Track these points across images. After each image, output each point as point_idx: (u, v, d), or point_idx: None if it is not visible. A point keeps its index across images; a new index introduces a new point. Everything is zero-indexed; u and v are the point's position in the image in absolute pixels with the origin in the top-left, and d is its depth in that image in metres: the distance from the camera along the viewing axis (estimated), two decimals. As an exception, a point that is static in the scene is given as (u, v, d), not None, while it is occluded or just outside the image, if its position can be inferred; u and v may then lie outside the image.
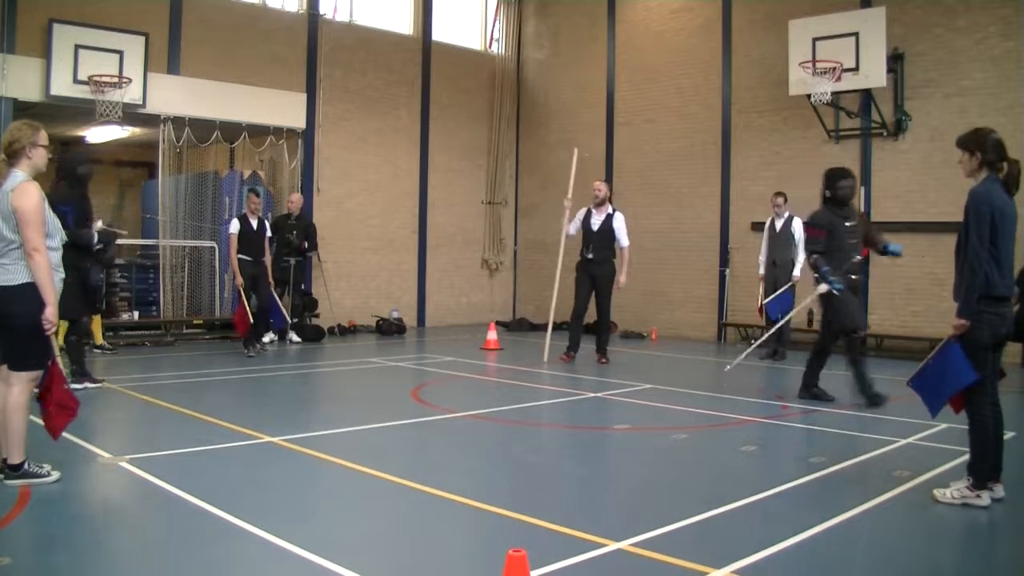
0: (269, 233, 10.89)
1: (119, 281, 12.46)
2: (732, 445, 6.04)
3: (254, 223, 10.56)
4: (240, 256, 10.40)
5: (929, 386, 4.63)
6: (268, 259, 10.75)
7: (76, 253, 6.97)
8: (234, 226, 10.45)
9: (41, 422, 5.11)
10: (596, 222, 10.33)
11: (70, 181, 7.51)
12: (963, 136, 4.65)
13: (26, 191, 4.39)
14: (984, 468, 4.45)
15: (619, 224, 10.33)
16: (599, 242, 10.27)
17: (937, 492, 4.56)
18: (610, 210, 10.41)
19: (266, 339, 11.41)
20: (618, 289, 10.34)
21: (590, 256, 10.28)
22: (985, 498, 4.43)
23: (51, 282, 4.46)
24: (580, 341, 10.46)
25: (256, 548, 3.73)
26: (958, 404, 4.61)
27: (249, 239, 10.47)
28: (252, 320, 10.29)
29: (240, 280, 10.30)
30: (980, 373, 4.45)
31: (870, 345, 11.79)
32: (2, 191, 4.42)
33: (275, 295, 11.14)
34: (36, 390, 4.78)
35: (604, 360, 10.46)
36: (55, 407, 4.65)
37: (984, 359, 4.47)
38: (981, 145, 4.52)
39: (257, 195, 10.80)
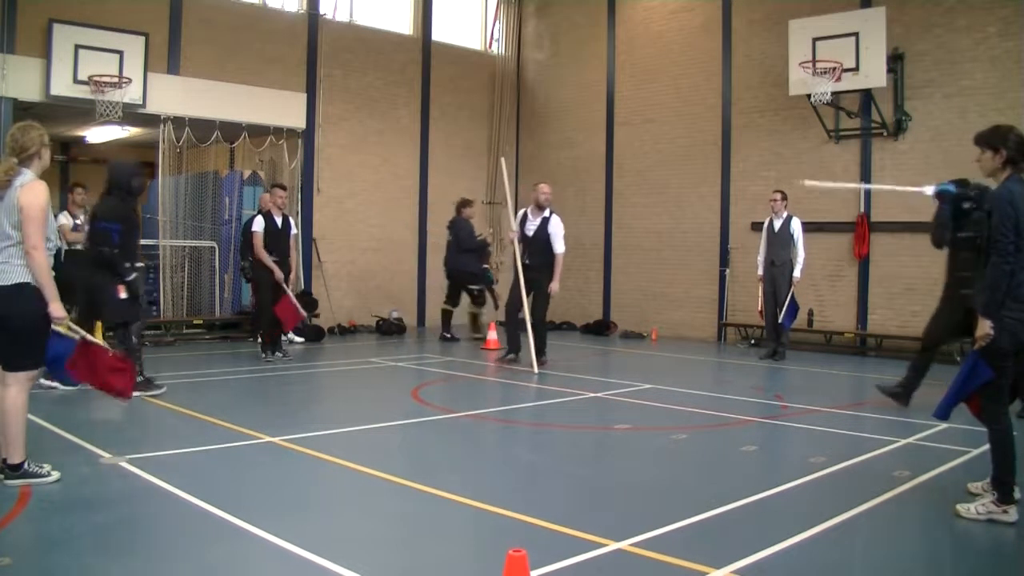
0: (294, 231, 10.34)
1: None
2: (732, 445, 6.04)
3: (279, 220, 9.95)
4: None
5: (949, 393, 4.38)
6: (294, 259, 10.24)
7: (107, 267, 7.01)
8: (258, 224, 9.89)
9: (41, 422, 5.12)
10: (532, 227, 9.76)
11: (121, 195, 7.10)
12: (983, 133, 4.41)
13: (35, 189, 4.49)
14: (1009, 480, 4.20)
15: (555, 229, 9.72)
16: (535, 247, 9.70)
17: (961, 507, 4.30)
18: (546, 213, 9.80)
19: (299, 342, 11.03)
20: (552, 294, 9.78)
21: (527, 262, 9.69)
22: (1012, 513, 4.18)
23: (50, 280, 4.50)
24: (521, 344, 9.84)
25: (256, 548, 3.73)
26: (976, 406, 4.37)
27: (274, 237, 9.87)
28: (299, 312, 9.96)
29: (280, 274, 9.76)
30: (998, 377, 4.22)
31: (870, 345, 11.81)
32: (11, 186, 4.49)
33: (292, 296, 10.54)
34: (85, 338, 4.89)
35: (543, 363, 9.71)
36: (109, 373, 4.93)
37: (1005, 366, 4.23)
38: (1004, 142, 4.28)
39: (284, 189, 10.28)
